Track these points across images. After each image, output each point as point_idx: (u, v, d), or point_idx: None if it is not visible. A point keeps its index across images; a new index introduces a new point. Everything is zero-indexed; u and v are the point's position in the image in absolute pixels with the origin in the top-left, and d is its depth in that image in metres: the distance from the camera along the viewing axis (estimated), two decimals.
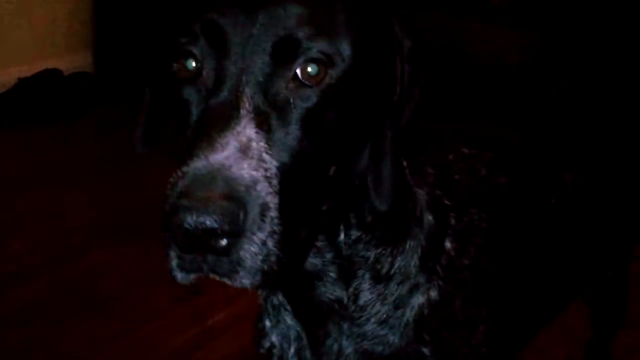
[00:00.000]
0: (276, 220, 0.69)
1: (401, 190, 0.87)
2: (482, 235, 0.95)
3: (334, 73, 0.72)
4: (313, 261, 0.86)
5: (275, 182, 0.70)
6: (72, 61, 3.36)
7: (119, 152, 2.81)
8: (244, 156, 0.68)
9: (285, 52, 0.71)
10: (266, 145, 0.70)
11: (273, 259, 0.69)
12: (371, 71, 0.77)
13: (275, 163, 0.70)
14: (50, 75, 3.16)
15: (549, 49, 2.80)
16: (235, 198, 0.66)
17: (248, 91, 0.71)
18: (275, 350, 0.98)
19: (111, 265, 2.14)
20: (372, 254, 0.88)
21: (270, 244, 0.69)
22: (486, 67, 2.76)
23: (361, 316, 0.90)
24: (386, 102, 0.81)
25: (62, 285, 2.03)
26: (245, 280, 0.69)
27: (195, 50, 0.74)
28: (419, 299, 0.90)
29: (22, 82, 3.08)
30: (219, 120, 0.70)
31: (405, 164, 0.89)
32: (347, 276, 0.88)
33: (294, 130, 0.72)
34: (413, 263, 0.90)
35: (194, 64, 0.74)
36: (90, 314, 1.93)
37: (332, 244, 0.86)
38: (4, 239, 2.20)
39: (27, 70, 3.14)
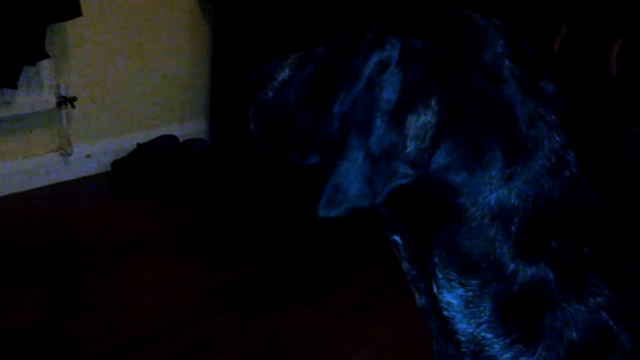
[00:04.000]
0: None
1: None
2: None
3: None
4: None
5: None
6: (187, 128, 3.44)
7: (231, 219, 2.82)
8: None
9: None
10: None
11: None
12: None
13: None
14: (166, 141, 3.24)
15: None
16: None
17: None
18: None
19: (220, 337, 2.11)
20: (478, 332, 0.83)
21: None
22: None
23: None
24: None
25: (173, 357, 2.01)
26: None
27: None
28: None
29: (139, 147, 3.16)
30: None
31: None
32: None
33: None
34: None
35: None
36: None
37: None
38: (115, 307, 2.21)
39: (145, 137, 3.24)
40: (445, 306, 0.83)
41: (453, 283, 0.81)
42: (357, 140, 0.78)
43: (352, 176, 0.77)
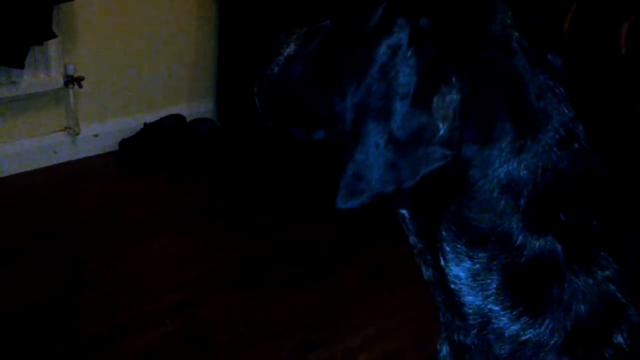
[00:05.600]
0: None
1: None
2: None
3: None
4: None
5: None
6: (195, 107, 3.44)
7: (238, 198, 2.83)
8: None
9: None
10: None
11: None
12: None
13: None
14: (174, 121, 3.24)
15: None
16: None
17: None
18: None
19: (228, 315, 2.12)
20: (486, 305, 0.82)
21: None
22: None
23: None
24: None
25: (181, 334, 2.02)
26: None
27: None
28: None
29: (147, 126, 3.16)
30: None
31: None
32: None
33: None
34: (553, 342, 0.79)
35: None
36: None
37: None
38: (121, 285, 2.23)
39: (152, 116, 3.24)
40: (452, 279, 0.83)
41: (461, 256, 0.81)
42: (376, 126, 0.77)
43: (373, 163, 0.77)
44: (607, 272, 0.79)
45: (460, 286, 0.82)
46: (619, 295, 0.79)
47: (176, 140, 3.17)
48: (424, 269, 0.89)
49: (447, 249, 0.82)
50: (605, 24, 2.26)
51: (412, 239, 0.89)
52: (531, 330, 0.80)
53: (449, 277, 0.83)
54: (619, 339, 0.79)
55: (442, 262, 0.83)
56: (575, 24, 2.32)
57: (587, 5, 2.31)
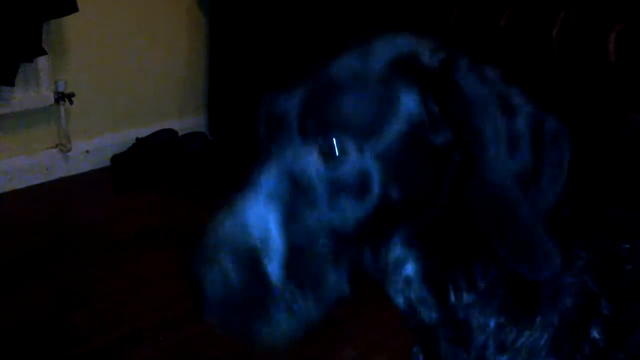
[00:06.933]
0: None
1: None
2: None
3: None
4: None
5: None
6: (186, 122, 3.44)
7: None
8: None
9: None
10: None
11: None
12: None
13: None
14: (165, 136, 3.24)
15: None
16: None
17: None
18: None
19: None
20: (492, 322, 0.81)
21: None
22: None
23: None
24: None
25: (169, 352, 2.01)
26: None
27: None
28: None
29: (138, 141, 3.16)
30: None
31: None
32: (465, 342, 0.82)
33: None
34: (543, 342, 0.81)
35: None
36: None
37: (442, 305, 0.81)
38: (115, 302, 2.21)
39: (144, 132, 3.24)
40: (463, 308, 0.83)
41: (476, 279, 0.81)
42: None
43: None
44: (581, 263, 0.80)
45: (471, 311, 0.82)
46: (592, 286, 0.80)
47: (168, 155, 3.17)
48: (421, 317, 0.86)
49: (462, 280, 0.82)
50: (594, 31, 2.27)
51: (403, 300, 0.87)
52: (527, 332, 0.80)
53: (458, 309, 0.83)
54: (594, 334, 0.80)
55: (453, 299, 0.83)
56: (564, 32, 2.33)
57: (576, 13, 2.32)
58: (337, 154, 0.74)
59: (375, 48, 0.78)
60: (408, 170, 0.76)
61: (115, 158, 3.11)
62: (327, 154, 0.75)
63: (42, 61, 2.81)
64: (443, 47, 0.79)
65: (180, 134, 3.33)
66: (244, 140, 3.07)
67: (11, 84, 2.65)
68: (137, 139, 3.17)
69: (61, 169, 3.03)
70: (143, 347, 2.01)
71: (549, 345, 0.80)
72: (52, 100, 2.89)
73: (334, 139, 0.74)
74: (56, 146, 3.01)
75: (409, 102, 0.76)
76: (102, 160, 3.14)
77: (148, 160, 3.09)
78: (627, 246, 0.85)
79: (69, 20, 2.82)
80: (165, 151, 3.17)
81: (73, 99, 2.94)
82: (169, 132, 3.27)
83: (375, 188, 0.75)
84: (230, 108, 3.30)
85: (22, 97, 2.82)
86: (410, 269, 0.83)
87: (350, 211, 0.76)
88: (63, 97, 2.91)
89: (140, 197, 2.92)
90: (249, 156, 0.91)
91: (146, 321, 2.12)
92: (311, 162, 0.76)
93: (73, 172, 3.07)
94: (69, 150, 3.01)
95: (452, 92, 0.74)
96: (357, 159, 0.74)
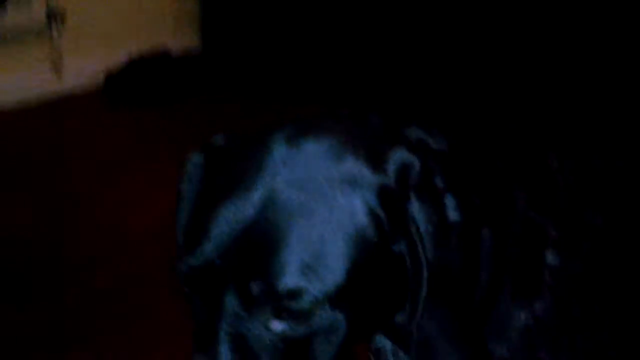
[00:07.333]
0: None
1: None
2: None
3: None
4: None
5: None
6: (180, 41, 3.42)
7: (227, 132, 2.84)
8: None
9: None
10: None
11: None
12: None
13: None
14: (159, 54, 3.23)
15: None
16: None
17: None
18: None
19: None
20: None
21: None
22: None
23: None
24: None
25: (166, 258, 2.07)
26: None
27: None
28: None
29: (132, 61, 3.16)
30: None
31: None
32: None
33: None
34: None
35: None
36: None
37: None
38: (111, 215, 2.28)
39: (137, 51, 3.24)
40: None
41: None
42: None
43: None
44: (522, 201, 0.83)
45: None
46: (537, 217, 0.84)
47: (162, 75, 3.18)
48: None
49: None
50: None
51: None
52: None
53: None
54: (550, 259, 0.84)
55: None
56: None
57: None
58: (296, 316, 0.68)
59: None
60: (372, 294, 0.72)
61: (108, 77, 3.13)
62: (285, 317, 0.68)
63: None
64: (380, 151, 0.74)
65: (173, 52, 3.32)
66: (238, 56, 3.07)
67: (2, 5, 2.65)
68: (130, 58, 3.18)
69: (54, 87, 3.05)
70: (136, 254, 2.08)
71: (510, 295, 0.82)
72: (43, 20, 2.89)
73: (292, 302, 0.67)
74: (49, 65, 3.03)
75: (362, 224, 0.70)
76: (95, 79, 3.15)
77: (142, 80, 3.11)
78: None
79: None
80: (159, 70, 3.17)
81: (65, 17, 2.93)
82: (163, 51, 3.27)
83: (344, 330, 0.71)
84: (224, 25, 3.28)
85: (13, 16, 2.82)
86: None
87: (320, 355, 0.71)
88: (55, 16, 2.91)
89: (133, 117, 2.94)
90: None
91: (136, 233, 2.17)
92: (263, 329, 0.69)
93: (66, 91, 3.08)
94: (62, 69, 3.02)
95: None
96: (323, 311, 0.68)
